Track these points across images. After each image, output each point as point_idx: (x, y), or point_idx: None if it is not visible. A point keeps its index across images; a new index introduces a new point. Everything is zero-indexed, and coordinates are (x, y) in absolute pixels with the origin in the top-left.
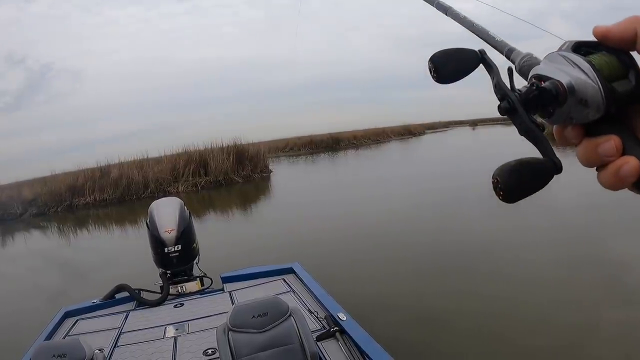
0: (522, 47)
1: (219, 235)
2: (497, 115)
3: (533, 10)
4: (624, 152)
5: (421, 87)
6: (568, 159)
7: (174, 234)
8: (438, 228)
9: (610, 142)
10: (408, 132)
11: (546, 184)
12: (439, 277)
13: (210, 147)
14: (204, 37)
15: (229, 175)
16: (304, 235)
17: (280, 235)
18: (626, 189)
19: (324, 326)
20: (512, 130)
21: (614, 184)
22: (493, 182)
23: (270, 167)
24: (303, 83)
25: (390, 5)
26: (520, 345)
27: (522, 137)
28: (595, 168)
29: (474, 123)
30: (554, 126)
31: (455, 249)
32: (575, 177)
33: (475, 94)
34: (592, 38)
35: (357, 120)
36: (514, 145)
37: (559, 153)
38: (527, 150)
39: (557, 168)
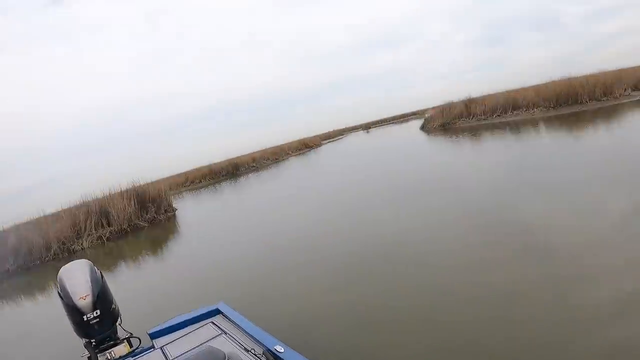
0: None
1: (137, 288)
2: (388, 115)
3: (411, 14)
4: None
5: (313, 100)
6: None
7: (89, 299)
8: (351, 238)
9: None
10: (305, 146)
11: None
12: (367, 288)
13: (109, 193)
14: (92, 79)
15: (134, 222)
16: (222, 271)
17: (198, 275)
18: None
19: None
20: (400, 127)
21: None
22: None
23: (175, 205)
24: (197, 113)
25: (274, 23)
26: (461, 329)
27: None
28: None
29: (367, 126)
30: None
31: (374, 255)
32: (470, 163)
33: (364, 99)
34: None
35: (256, 141)
36: (404, 143)
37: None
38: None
39: None
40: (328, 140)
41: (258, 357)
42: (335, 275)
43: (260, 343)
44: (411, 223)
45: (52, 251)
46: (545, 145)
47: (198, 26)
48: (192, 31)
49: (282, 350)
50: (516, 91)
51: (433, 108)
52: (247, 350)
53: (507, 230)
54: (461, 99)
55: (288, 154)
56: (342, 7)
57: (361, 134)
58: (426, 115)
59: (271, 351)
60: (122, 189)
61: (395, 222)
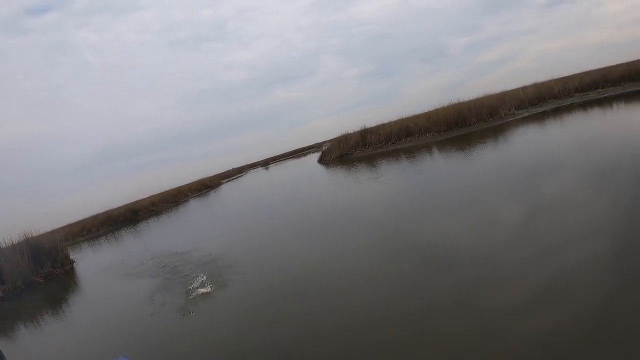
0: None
1: (37, 351)
2: (288, 150)
3: (306, 51)
4: None
5: (211, 138)
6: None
7: None
8: (257, 279)
9: None
10: (205, 187)
11: None
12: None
13: None
14: None
15: (29, 278)
16: (125, 324)
17: (100, 330)
18: None
19: None
20: (300, 161)
21: None
22: None
23: (72, 257)
24: (92, 156)
25: (175, 64)
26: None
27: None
28: None
29: (266, 163)
30: None
31: (294, 296)
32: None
33: (262, 135)
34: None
35: (154, 184)
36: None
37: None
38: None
39: None
40: (228, 179)
41: None
42: (246, 316)
43: None
44: (315, 263)
45: None
46: (436, 167)
47: (97, 67)
48: (90, 70)
49: None
50: (409, 119)
51: (330, 140)
52: None
53: (399, 245)
54: (357, 130)
55: (188, 195)
56: (237, 46)
57: (260, 171)
58: (323, 147)
59: None
60: (14, 242)
61: (302, 262)
